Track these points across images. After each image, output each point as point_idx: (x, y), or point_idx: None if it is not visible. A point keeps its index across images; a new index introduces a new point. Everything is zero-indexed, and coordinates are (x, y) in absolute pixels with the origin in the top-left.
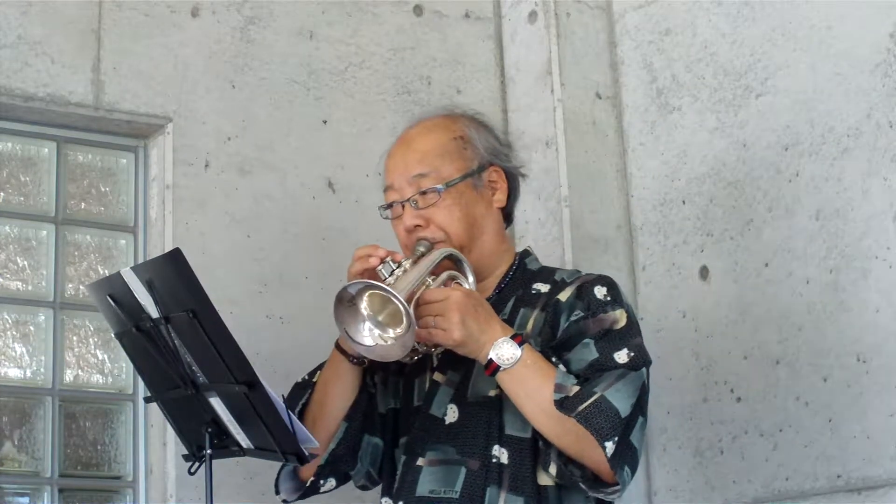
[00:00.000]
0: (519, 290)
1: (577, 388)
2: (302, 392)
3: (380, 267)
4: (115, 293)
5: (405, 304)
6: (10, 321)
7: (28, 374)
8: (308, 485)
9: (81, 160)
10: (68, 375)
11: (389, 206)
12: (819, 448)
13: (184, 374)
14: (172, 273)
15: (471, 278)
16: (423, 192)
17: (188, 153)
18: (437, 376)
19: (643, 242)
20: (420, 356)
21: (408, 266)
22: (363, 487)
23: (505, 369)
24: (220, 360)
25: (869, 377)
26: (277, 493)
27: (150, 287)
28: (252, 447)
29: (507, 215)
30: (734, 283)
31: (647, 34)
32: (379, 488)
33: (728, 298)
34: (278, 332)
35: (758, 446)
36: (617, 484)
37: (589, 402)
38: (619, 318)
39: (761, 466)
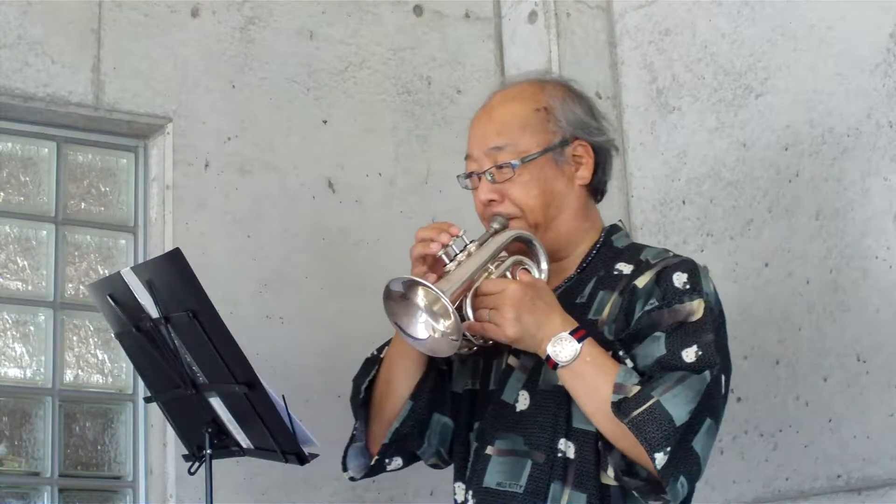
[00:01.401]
0: (601, 271)
1: (636, 389)
2: (369, 368)
3: (441, 252)
4: (115, 293)
5: (451, 305)
6: (10, 321)
7: (28, 374)
8: (373, 463)
9: (81, 160)
10: (68, 375)
11: (469, 175)
12: (819, 448)
13: (184, 374)
14: (172, 273)
15: (543, 263)
16: (499, 167)
17: (188, 153)
18: (512, 360)
19: (643, 242)
20: (477, 348)
21: (472, 249)
22: (434, 466)
23: (563, 366)
24: (220, 360)
25: (869, 377)
26: (345, 470)
27: (150, 287)
28: (252, 447)
29: (599, 191)
30: (734, 283)
31: (647, 34)
32: (451, 471)
33: (728, 298)
34: (278, 332)
35: (758, 446)
36: (666, 494)
37: (643, 407)
38: (696, 309)
39: (761, 466)
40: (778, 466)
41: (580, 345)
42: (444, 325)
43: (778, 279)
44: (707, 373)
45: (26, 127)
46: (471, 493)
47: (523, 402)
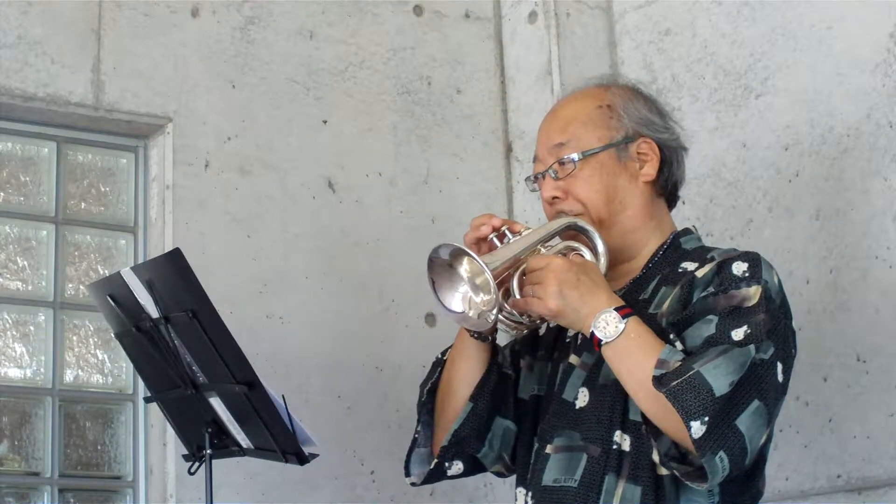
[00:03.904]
0: (666, 269)
1: (678, 364)
2: (434, 370)
3: (493, 236)
4: (115, 293)
5: (493, 278)
6: (10, 321)
7: (28, 374)
8: (433, 467)
9: (81, 160)
10: (68, 375)
11: (536, 178)
12: (819, 448)
13: (184, 374)
14: (172, 273)
15: (600, 247)
16: (561, 162)
17: (188, 153)
18: (573, 359)
19: None
20: (527, 328)
21: (526, 234)
22: (499, 474)
23: (607, 343)
24: (220, 360)
25: (869, 377)
26: (408, 475)
27: (150, 287)
28: (252, 447)
29: (668, 192)
30: None
31: (647, 34)
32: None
33: None
34: (278, 332)
35: None
36: (703, 470)
37: (683, 378)
38: (752, 295)
39: None
40: (778, 466)
41: (625, 321)
42: (482, 298)
43: None
44: (752, 347)
45: (26, 127)
46: (530, 493)
47: (582, 399)
